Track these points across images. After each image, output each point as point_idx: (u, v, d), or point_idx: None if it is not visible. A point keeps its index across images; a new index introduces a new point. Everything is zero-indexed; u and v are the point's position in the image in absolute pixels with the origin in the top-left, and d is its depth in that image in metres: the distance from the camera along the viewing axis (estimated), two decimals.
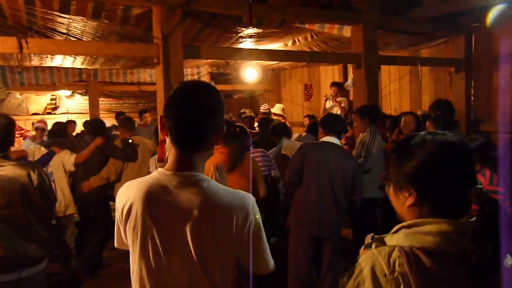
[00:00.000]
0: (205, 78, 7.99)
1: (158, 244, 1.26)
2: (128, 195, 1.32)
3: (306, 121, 7.32)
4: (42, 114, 9.86)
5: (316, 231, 3.46)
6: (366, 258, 1.04)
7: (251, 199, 1.33)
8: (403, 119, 4.62)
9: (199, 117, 1.29)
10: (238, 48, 5.31)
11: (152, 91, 9.30)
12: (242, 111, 6.94)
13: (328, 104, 7.18)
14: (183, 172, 1.30)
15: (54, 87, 8.23)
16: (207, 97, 1.31)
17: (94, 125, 4.80)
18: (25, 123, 9.38)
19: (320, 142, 3.59)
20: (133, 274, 1.32)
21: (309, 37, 5.85)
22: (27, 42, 3.51)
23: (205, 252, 1.26)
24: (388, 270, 0.99)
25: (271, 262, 1.41)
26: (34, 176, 2.58)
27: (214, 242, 1.26)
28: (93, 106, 8.23)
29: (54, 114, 9.99)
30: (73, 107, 9.93)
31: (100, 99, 8.74)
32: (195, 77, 7.78)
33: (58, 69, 7.08)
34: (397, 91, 7.09)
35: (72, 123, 7.03)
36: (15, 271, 2.49)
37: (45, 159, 4.30)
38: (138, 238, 1.28)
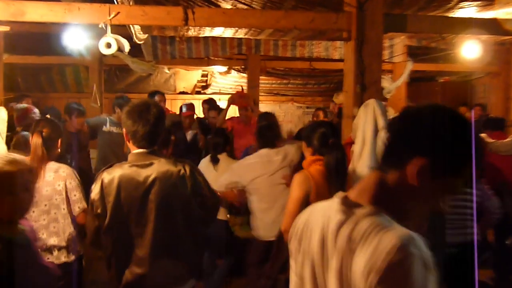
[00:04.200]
0: (401, 56, 7.84)
1: None
2: None
3: None
4: (191, 94, 10.92)
5: None
6: None
7: None
8: None
9: None
10: (461, 18, 5.11)
11: (326, 70, 9.57)
12: None
13: None
14: None
15: (207, 61, 8.98)
16: None
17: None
18: (171, 103, 10.06)
19: None
20: None
21: None
22: (193, 13, 3.96)
23: None
24: None
25: None
26: (186, 173, 2.83)
27: None
28: (252, 86, 8.59)
29: (204, 93, 10.98)
30: (227, 86, 10.75)
31: (260, 77, 9.17)
32: (386, 51, 7.68)
33: (214, 39, 7.61)
34: None
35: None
36: None
37: None
38: None
